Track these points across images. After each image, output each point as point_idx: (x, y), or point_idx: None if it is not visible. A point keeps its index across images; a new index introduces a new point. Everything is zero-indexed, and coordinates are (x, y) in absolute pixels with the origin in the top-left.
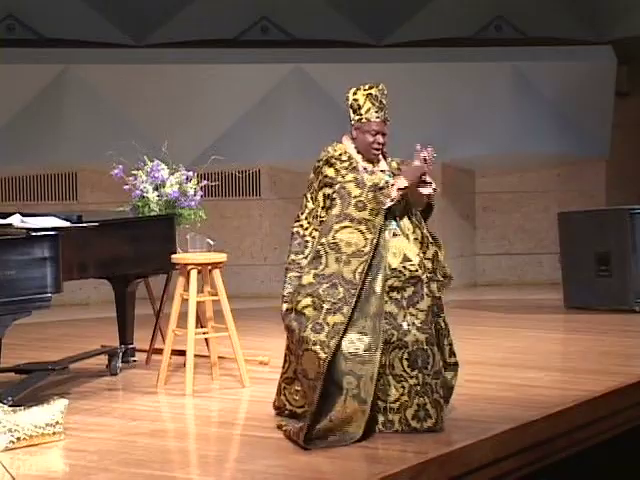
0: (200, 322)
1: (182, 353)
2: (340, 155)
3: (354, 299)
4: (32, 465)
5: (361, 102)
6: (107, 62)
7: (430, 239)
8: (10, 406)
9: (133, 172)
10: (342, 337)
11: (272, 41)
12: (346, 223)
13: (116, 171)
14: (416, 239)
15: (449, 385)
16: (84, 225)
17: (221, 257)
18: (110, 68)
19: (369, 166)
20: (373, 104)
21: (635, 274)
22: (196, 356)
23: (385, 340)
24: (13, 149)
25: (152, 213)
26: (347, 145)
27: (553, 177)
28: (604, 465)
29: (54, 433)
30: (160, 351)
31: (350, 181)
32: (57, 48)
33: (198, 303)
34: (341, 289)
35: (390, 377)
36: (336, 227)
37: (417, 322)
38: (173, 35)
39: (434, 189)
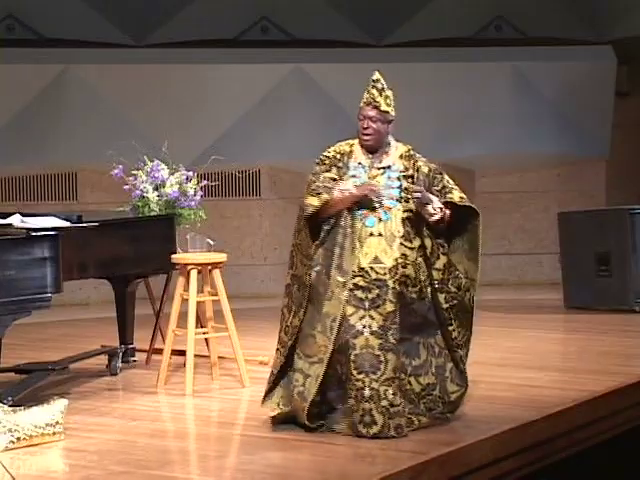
0: (200, 322)
1: (182, 353)
2: (328, 154)
3: (305, 301)
4: (32, 465)
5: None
6: (107, 62)
7: (442, 249)
8: (10, 406)
9: (133, 172)
10: (297, 337)
11: (272, 41)
12: (299, 225)
13: (116, 171)
14: (403, 246)
15: (450, 399)
16: (84, 225)
17: (221, 257)
18: (110, 68)
19: (367, 162)
20: (367, 91)
21: (635, 274)
22: (196, 356)
23: (340, 343)
24: (13, 149)
25: (152, 213)
26: (356, 142)
27: (553, 177)
28: (604, 465)
29: (54, 433)
30: (160, 351)
31: (307, 184)
32: (57, 48)
33: (198, 303)
34: (300, 292)
35: (346, 380)
36: (297, 228)
37: (374, 325)
38: (173, 35)
39: (439, 219)
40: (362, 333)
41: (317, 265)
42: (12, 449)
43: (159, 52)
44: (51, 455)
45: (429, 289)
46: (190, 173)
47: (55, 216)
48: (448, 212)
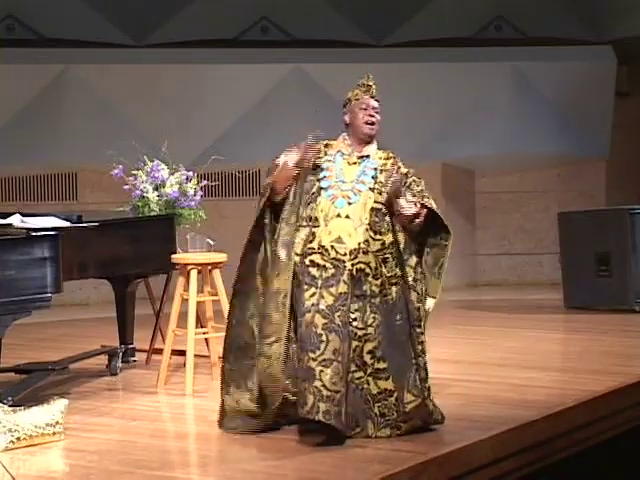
0: (200, 322)
1: (182, 353)
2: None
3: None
4: (32, 465)
5: (350, 95)
6: (107, 62)
7: (414, 247)
8: (10, 406)
9: (133, 172)
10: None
11: (272, 41)
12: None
13: (116, 171)
14: (367, 232)
15: (405, 409)
16: (84, 225)
17: (221, 257)
18: (110, 68)
19: (347, 151)
20: (360, 89)
21: (635, 274)
22: (196, 356)
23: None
24: (13, 149)
25: (152, 213)
26: (339, 139)
27: (553, 177)
28: (604, 465)
29: (54, 433)
30: (160, 351)
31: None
32: (57, 48)
33: (198, 303)
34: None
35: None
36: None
37: (322, 304)
38: (173, 35)
39: (413, 215)
40: (309, 311)
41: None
42: (12, 449)
43: (159, 52)
44: (51, 455)
45: (394, 288)
46: (190, 173)
47: (55, 216)
48: (425, 211)
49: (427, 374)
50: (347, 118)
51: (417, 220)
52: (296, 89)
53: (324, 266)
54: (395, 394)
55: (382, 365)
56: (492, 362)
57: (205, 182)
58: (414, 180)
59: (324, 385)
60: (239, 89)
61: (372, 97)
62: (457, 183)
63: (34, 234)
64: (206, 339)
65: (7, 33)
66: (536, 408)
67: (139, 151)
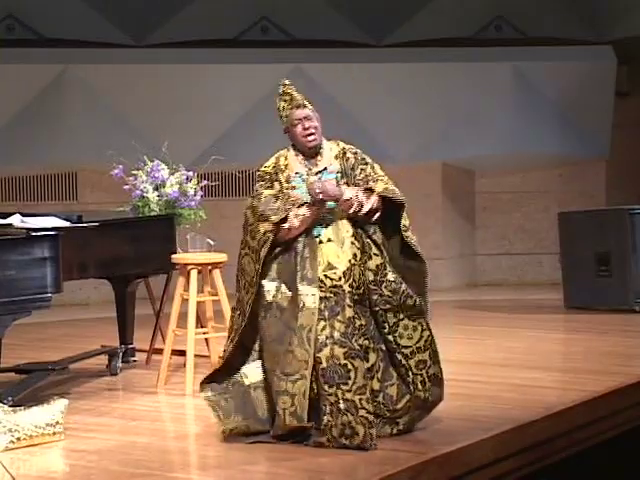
0: (200, 322)
1: (182, 353)
2: (267, 169)
3: (242, 328)
4: (32, 465)
5: (279, 106)
6: (107, 62)
7: (375, 249)
8: (10, 406)
9: (133, 172)
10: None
11: (272, 41)
12: (245, 250)
13: (116, 171)
14: (354, 245)
15: (395, 406)
16: (84, 225)
17: (221, 257)
18: (110, 68)
19: (304, 170)
20: (284, 100)
21: (635, 274)
22: (196, 356)
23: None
24: (13, 149)
25: (152, 213)
26: (290, 153)
27: (554, 177)
28: (604, 465)
29: (54, 433)
30: (160, 351)
31: (249, 207)
32: (57, 48)
33: (198, 303)
34: (240, 319)
35: (318, 397)
36: (242, 252)
37: (336, 334)
38: (173, 35)
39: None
40: (326, 345)
41: (274, 280)
42: (12, 449)
43: (159, 52)
44: (51, 455)
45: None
46: (190, 173)
47: (55, 216)
48: (374, 199)
49: (407, 369)
50: (288, 137)
51: (363, 210)
52: (296, 89)
53: (325, 297)
54: (381, 393)
55: (366, 365)
56: (492, 362)
57: (205, 182)
58: (359, 167)
59: (368, 412)
60: (239, 89)
61: (299, 107)
62: (457, 183)
63: (34, 234)
64: (206, 339)
65: (7, 33)
66: (536, 408)
67: (139, 151)
